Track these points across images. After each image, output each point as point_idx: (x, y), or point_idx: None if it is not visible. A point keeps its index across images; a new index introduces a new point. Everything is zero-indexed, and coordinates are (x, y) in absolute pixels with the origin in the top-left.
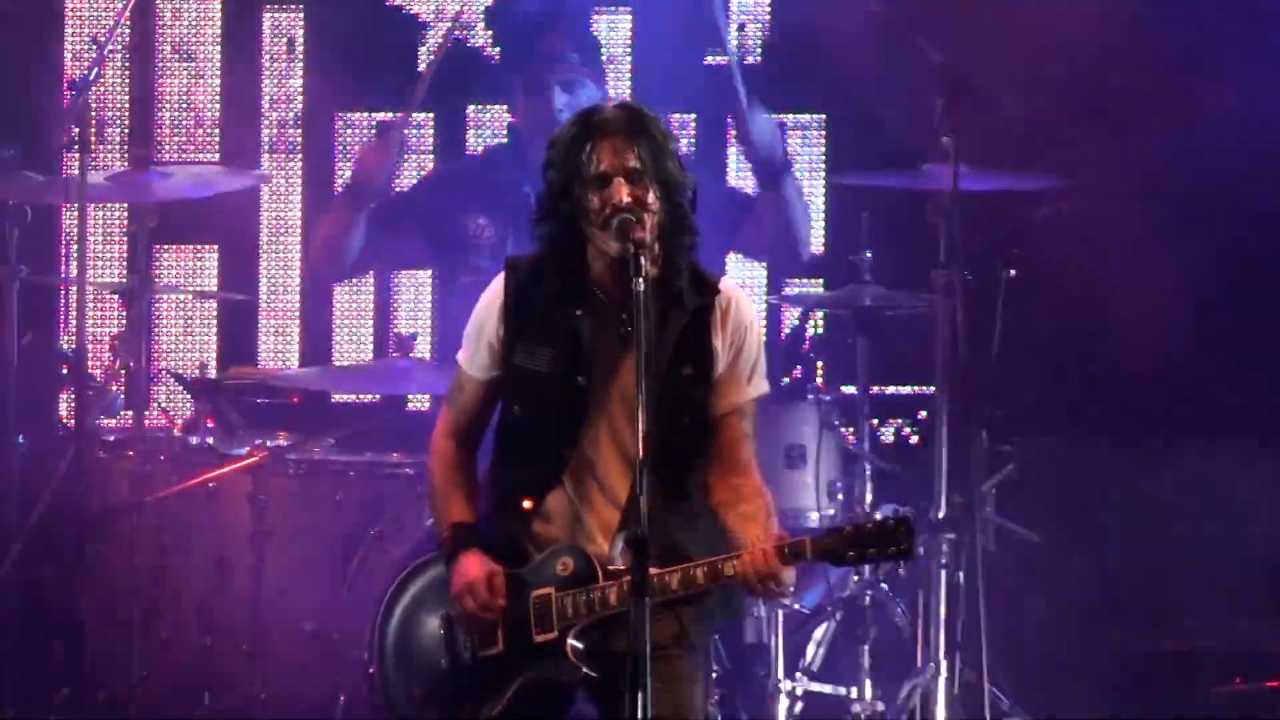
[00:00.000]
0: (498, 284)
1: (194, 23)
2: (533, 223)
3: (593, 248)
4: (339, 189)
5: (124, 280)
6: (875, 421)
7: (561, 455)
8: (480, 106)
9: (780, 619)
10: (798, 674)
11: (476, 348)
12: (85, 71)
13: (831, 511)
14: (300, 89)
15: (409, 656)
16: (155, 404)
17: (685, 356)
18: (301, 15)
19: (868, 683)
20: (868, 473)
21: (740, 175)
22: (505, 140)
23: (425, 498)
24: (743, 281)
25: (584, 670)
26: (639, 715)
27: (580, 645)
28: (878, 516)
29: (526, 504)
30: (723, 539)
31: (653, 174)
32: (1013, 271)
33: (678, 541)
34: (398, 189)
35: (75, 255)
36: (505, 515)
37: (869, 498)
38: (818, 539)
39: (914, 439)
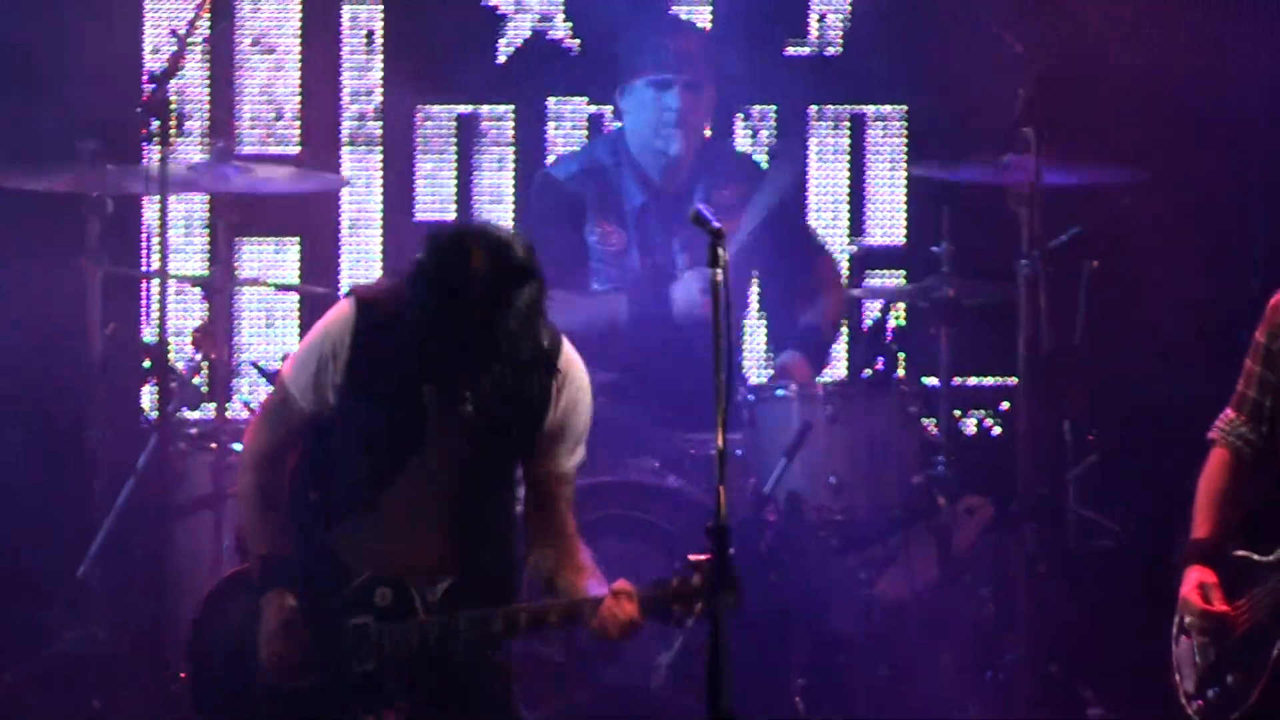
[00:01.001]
0: (347, 318)
1: (273, 15)
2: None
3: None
4: None
5: (206, 273)
6: (957, 413)
7: (381, 493)
8: (560, 99)
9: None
10: (883, 667)
11: (314, 381)
12: (164, 64)
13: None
14: (380, 81)
15: (224, 671)
16: (237, 396)
17: (518, 421)
18: (381, 7)
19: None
20: (949, 465)
21: (820, 179)
22: (584, 137)
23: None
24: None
25: (398, 701)
26: (723, 702)
27: (399, 677)
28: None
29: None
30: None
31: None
32: (1095, 262)
33: (488, 569)
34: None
35: (157, 248)
36: (315, 541)
37: (950, 489)
38: (643, 591)
39: (996, 430)
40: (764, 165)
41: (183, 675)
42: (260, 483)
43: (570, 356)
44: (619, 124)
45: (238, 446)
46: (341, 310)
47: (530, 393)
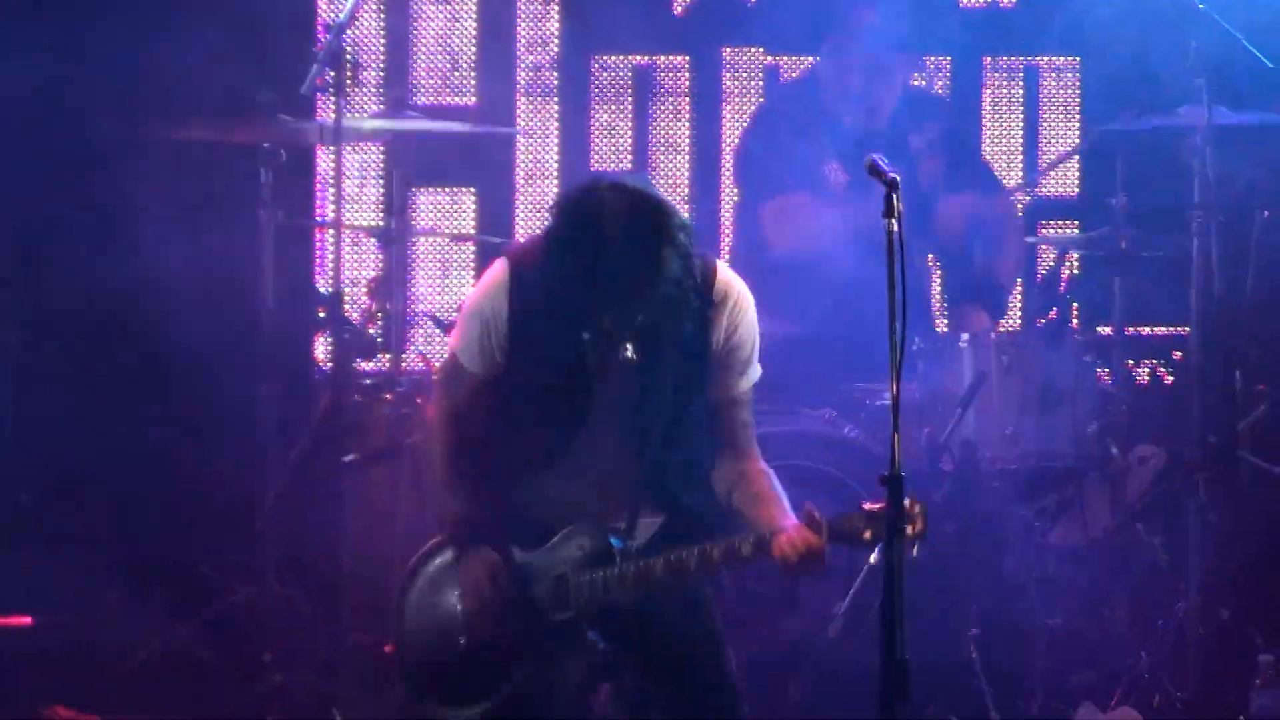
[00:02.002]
0: (502, 280)
1: None
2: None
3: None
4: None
5: (381, 223)
6: (1130, 362)
7: (566, 446)
8: (735, 50)
9: (1040, 559)
10: (1056, 615)
11: (480, 346)
12: (340, 14)
13: (1087, 452)
14: (556, 32)
15: (427, 637)
16: (413, 347)
17: (685, 354)
18: None
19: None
20: (1122, 414)
21: (995, 131)
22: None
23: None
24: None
25: (601, 647)
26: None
27: (597, 626)
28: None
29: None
30: (721, 515)
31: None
32: (1267, 213)
33: (687, 507)
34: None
35: (331, 198)
36: (507, 493)
37: (1123, 439)
38: (834, 520)
39: (1169, 379)
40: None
41: (388, 649)
42: (447, 448)
43: (727, 279)
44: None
45: (418, 400)
46: (495, 274)
47: (686, 327)
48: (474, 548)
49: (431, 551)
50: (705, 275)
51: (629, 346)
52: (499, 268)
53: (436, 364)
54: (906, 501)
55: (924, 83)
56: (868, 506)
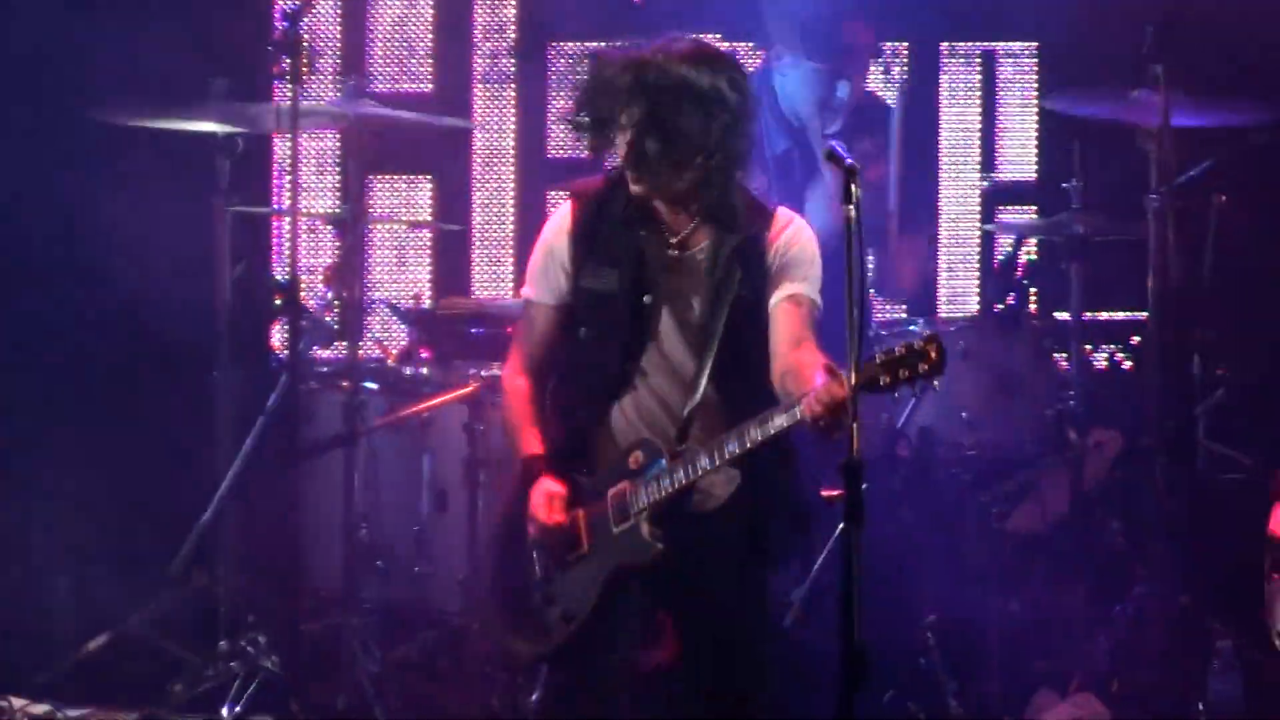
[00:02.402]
0: (565, 212)
1: None
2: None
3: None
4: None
5: (337, 210)
6: (1088, 347)
7: (625, 371)
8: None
9: (997, 545)
10: (1013, 601)
11: (546, 276)
12: (297, 2)
13: (1044, 437)
14: (513, 19)
15: (506, 574)
16: (369, 334)
17: (742, 267)
18: None
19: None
20: (1080, 399)
21: (952, 116)
22: None
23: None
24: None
25: (659, 546)
26: (854, 636)
27: (651, 525)
28: (906, 341)
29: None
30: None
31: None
32: (1224, 197)
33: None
34: None
35: (288, 186)
36: (572, 430)
37: (1081, 424)
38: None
39: (1126, 364)
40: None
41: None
42: (520, 395)
43: (787, 211)
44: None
45: (371, 384)
46: (558, 211)
47: (745, 217)
48: (536, 482)
49: (514, 497)
50: (761, 207)
51: (673, 241)
52: (563, 205)
53: (393, 351)
54: (919, 341)
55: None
56: (881, 354)
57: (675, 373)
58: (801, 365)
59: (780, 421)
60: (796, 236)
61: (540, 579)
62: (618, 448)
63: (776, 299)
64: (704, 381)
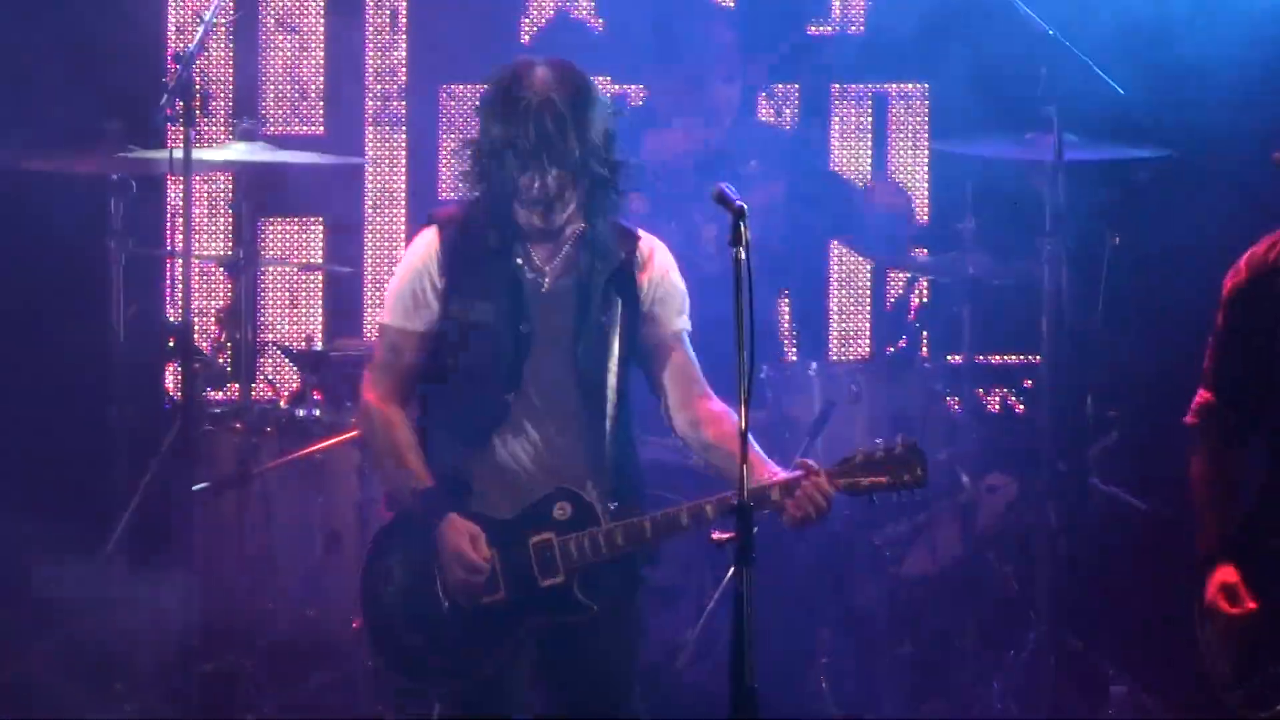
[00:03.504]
0: (431, 239)
1: None
2: (466, 175)
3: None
4: None
5: (229, 253)
6: (980, 390)
7: (505, 404)
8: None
9: (890, 589)
10: (906, 644)
11: (413, 302)
12: (189, 45)
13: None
14: (404, 61)
15: (402, 608)
16: (261, 376)
17: (615, 297)
18: None
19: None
20: (972, 442)
21: (843, 157)
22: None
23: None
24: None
25: (594, 608)
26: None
27: (585, 586)
28: (885, 444)
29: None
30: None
31: (577, 148)
32: (1118, 238)
33: (630, 473)
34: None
35: (180, 228)
36: (449, 464)
37: (974, 467)
38: (832, 470)
39: (1019, 407)
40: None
41: (355, 624)
42: (390, 422)
43: (650, 239)
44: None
45: (263, 426)
46: (421, 234)
47: (613, 245)
48: (445, 516)
49: (395, 526)
50: (625, 231)
51: (547, 268)
52: (424, 230)
53: (285, 394)
54: (899, 447)
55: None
56: (861, 454)
57: (558, 407)
58: (722, 423)
59: (746, 506)
60: (665, 263)
61: (450, 608)
62: (510, 487)
63: (662, 336)
64: (606, 424)
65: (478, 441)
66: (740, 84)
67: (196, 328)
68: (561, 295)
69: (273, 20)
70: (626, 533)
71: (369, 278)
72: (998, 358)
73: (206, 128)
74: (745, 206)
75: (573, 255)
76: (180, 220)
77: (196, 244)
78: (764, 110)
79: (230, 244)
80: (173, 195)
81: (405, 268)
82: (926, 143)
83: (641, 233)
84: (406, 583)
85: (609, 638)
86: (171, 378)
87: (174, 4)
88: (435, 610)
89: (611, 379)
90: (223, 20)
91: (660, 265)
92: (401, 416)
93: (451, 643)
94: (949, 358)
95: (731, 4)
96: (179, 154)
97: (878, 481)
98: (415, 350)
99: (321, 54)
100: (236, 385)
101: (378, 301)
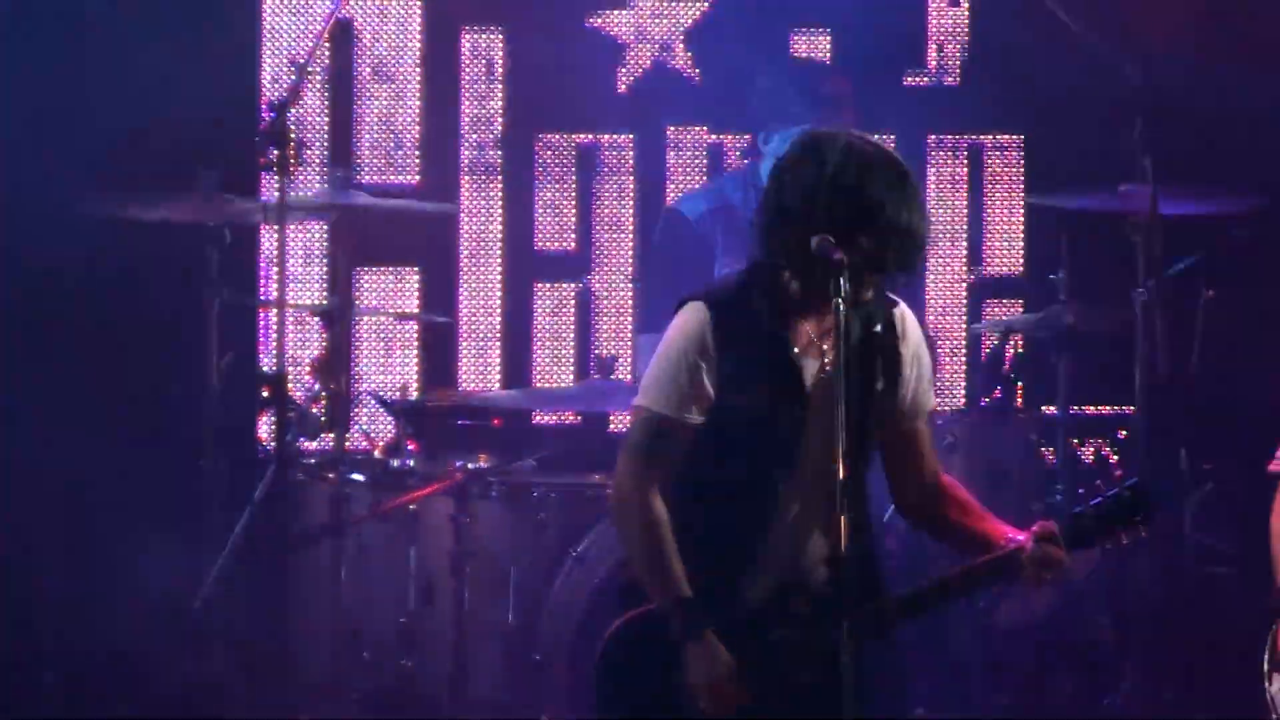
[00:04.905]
0: (700, 320)
1: (393, 44)
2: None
3: (789, 277)
4: None
5: (324, 302)
6: (1075, 441)
7: (779, 492)
8: (680, 128)
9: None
10: (1001, 695)
11: (686, 391)
12: (284, 93)
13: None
14: (499, 110)
15: (637, 708)
16: (356, 426)
17: (878, 370)
18: (501, 36)
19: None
20: (1067, 493)
21: (939, 208)
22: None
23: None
24: (945, 301)
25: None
26: None
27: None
28: (1110, 492)
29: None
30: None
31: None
32: (1211, 291)
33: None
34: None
35: (275, 277)
36: (722, 560)
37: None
38: (1065, 527)
39: (1114, 458)
40: None
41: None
42: (655, 520)
43: (903, 307)
44: (748, 160)
45: (357, 476)
46: (690, 315)
47: (874, 318)
48: (699, 640)
49: (638, 624)
50: (883, 295)
51: (824, 346)
52: (692, 309)
53: (380, 443)
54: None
55: None
56: (1088, 510)
57: (820, 488)
58: (971, 503)
59: (984, 577)
60: (918, 333)
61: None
62: (767, 573)
63: (918, 414)
64: (862, 488)
65: (749, 540)
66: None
67: (291, 377)
68: (825, 373)
69: (369, 69)
70: (875, 617)
71: (464, 327)
72: (1092, 409)
73: (302, 175)
74: (845, 259)
75: (843, 325)
76: (275, 269)
77: (291, 293)
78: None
79: (325, 293)
80: (267, 244)
81: (677, 351)
82: (1022, 194)
83: (899, 300)
84: (648, 690)
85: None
86: (265, 427)
87: (270, 52)
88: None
89: (865, 453)
90: (318, 69)
91: (916, 333)
92: (662, 513)
93: None
94: (1044, 408)
95: (828, 54)
96: (276, 202)
97: (1105, 531)
98: (687, 441)
99: (417, 101)
100: (330, 435)
101: (473, 350)
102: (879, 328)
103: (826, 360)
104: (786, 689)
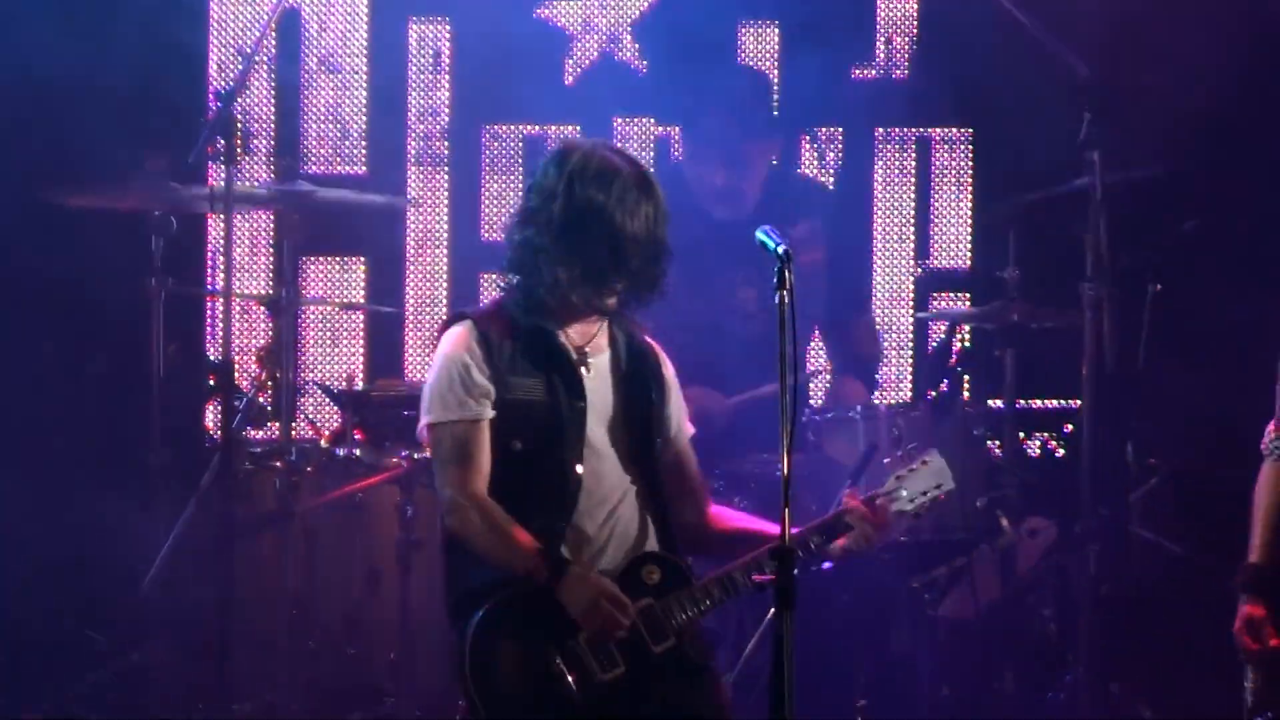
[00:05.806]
0: (460, 331)
1: (340, 34)
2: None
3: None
4: None
5: (271, 292)
6: (1021, 435)
7: (573, 476)
8: (627, 120)
9: (929, 632)
10: (945, 687)
11: (461, 392)
12: (231, 83)
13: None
14: (446, 101)
15: (521, 697)
16: (302, 415)
17: (648, 380)
18: (448, 27)
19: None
20: (1013, 487)
21: (887, 202)
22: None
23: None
24: (893, 293)
25: (709, 665)
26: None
27: (692, 646)
28: (908, 463)
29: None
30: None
31: None
32: (1159, 286)
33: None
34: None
35: (221, 267)
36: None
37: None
38: (873, 496)
39: (1060, 452)
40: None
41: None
42: (486, 506)
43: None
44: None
45: (303, 466)
46: (451, 332)
47: (639, 343)
48: (576, 571)
49: (496, 610)
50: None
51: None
52: (456, 327)
53: (326, 432)
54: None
55: (811, 170)
56: (892, 480)
57: (613, 476)
58: (744, 516)
59: (819, 542)
60: (670, 368)
61: (580, 689)
62: (594, 558)
63: (685, 435)
64: (658, 488)
65: (556, 517)
66: (767, 143)
67: (237, 366)
68: (598, 368)
69: (316, 59)
70: (721, 585)
71: (410, 317)
72: (1039, 403)
73: (248, 165)
74: (790, 251)
75: (604, 328)
76: (221, 258)
77: (238, 282)
78: (807, 154)
79: (272, 282)
80: (214, 233)
81: (450, 362)
82: (970, 189)
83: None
84: (521, 666)
85: (711, 692)
86: (212, 416)
87: (216, 41)
88: (561, 689)
89: (655, 466)
90: (265, 58)
91: (670, 366)
92: (490, 500)
93: (584, 711)
94: (990, 402)
95: (776, 46)
96: (222, 191)
97: (915, 502)
98: (484, 437)
99: (364, 93)
100: (277, 424)
101: (419, 341)
102: (641, 346)
103: (590, 357)
104: (646, 655)
